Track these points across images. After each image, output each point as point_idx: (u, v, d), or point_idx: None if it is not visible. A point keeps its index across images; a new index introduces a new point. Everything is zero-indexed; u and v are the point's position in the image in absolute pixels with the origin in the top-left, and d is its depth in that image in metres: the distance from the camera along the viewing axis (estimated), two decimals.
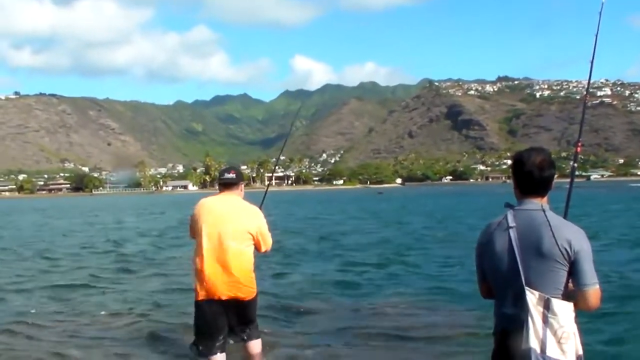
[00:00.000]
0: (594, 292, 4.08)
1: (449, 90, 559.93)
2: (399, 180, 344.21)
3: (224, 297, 7.30)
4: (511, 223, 4.19)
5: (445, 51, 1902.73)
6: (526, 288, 4.03)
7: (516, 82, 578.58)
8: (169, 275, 17.83)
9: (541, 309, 4.00)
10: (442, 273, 17.33)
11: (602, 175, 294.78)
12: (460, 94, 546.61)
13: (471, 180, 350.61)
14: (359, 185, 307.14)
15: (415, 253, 22.48)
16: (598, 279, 4.11)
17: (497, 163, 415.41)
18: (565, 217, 4.58)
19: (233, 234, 7.36)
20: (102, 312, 12.32)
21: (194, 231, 7.61)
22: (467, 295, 12.54)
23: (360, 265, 19.13)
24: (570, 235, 4.07)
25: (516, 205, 4.29)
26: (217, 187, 7.90)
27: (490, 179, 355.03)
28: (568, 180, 5.32)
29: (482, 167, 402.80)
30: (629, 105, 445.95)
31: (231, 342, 7.77)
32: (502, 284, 4.25)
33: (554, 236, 4.05)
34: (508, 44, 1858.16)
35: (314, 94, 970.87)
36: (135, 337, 10.31)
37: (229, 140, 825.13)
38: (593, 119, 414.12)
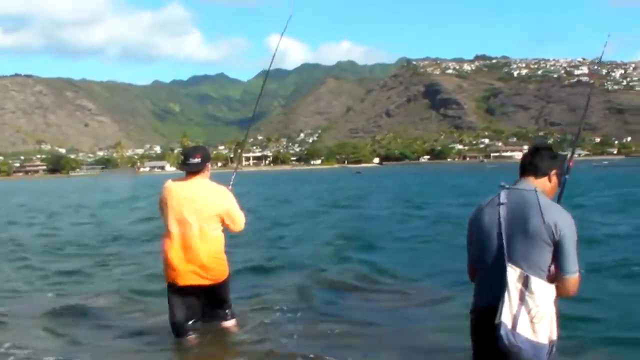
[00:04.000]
0: (573, 280, 4.19)
1: (427, 69, 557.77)
2: (376, 160, 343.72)
3: (191, 283, 7.36)
4: (503, 200, 4.28)
5: (422, 30, 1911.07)
6: (508, 264, 4.08)
7: (494, 61, 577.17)
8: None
9: (519, 286, 4.02)
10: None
11: (579, 155, 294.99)
12: (438, 72, 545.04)
13: (449, 159, 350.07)
14: (336, 165, 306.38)
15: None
16: (579, 266, 4.21)
17: (474, 142, 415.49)
18: (558, 202, 4.65)
19: (199, 217, 7.34)
20: None
21: (161, 215, 7.67)
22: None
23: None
24: (558, 217, 4.14)
25: (512, 184, 4.42)
26: None
27: (468, 159, 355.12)
28: None
29: (459, 147, 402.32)
30: (606, 84, 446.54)
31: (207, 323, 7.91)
32: (486, 259, 4.32)
33: (542, 216, 4.11)
34: (486, 23, 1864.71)
35: (292, 73, 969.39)
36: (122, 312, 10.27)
37: (206, 120, 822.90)
38: (570, 98, 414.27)
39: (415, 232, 21.94)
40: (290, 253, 16.94)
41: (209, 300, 7.76)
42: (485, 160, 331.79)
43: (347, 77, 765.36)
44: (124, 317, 10.07)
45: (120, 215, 35.53)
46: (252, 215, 17.94)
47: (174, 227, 7.38)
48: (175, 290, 7.49)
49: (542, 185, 4.41)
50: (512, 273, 4.05)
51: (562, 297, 4.23)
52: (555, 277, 4.20)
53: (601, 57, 6.61)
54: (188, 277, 7.34)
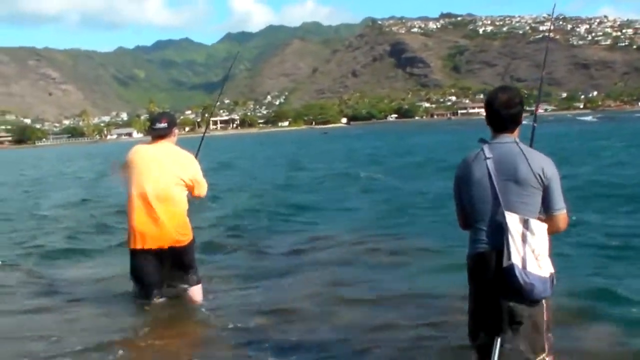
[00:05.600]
0: (563, 216, 4.53)
1: (392, 28, 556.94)
2: (344, 120, 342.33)
3: (155, 246, 7.44)
4: (488, 154, 4.51)
5: None
6: (506, 212, 4.35)
7: (459, 19, 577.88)
8: None
9: (521, 229, 4.31)
10: None
11: (546, 110, 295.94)
12: (403, 31, 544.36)
13: (416, 117, 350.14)
14: (304, 126, 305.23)
15: None
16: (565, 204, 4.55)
17: (441, 100, 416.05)
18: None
19: (164, 181, 7.46)
20: None
21: (127, 179, 7.72)
22: None
23: None
24: (543, 163, 4.45)
25: (490, 140, 4.63)
26: None
27: (436, 116, 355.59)
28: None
29: (427, 105, 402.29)
30: (571, 39, 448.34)
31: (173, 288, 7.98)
32: (482, 209, 4.54)
33: (529, 164, 4.41)
34: None
35: (256, 35, 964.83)
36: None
37: (172, 85, 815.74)
38: (535, 54, 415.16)
39: None
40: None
41: (174, 265, 7.73)
42: (453, 117, 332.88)
43: (312, 38, 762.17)
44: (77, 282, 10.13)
45: None
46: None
47: (138, 190, 7.45)
48: (139, 254, 7.53)
49: (516, 135, 4.65)
50: (512, 218, 4.32)
51: (553, 233, 4.50)
52: (546, 216, 4.51)
53: (553, 13, 6.80)
54: (156, 238, 7.42)
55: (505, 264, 4.27)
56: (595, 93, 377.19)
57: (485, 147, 4.56)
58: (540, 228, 4.37)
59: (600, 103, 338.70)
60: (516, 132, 4.66)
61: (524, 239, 4.28)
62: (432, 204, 18.05)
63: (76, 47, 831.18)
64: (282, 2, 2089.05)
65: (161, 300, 7.77)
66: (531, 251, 4.27)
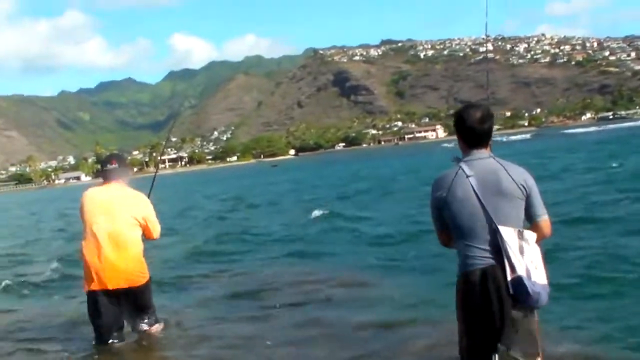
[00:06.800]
0: (546, 221, 4.64)
1: (334, 58, 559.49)
2: (292, 152, 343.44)
3: (111, 287, 7.44)
4: (469, 172, 4.55)
5: (327, 18, 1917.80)
6: (499, 226, 4.41)
7: (400, 44, 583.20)
8: None
9: (517, 241, 4.39)
10: None
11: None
12: (345, 60, 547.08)
13: (364, 145, 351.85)
14: (253, 160, 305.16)
15: None
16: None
17: (387, 126, 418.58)
18: None
19: (118, 222, 7.48)
20: None
21: (82, 221, 7.76)
22: None
23: None
24: (523, 174, 4.57)
25: (464, 157, 4.71)
26: None
27: (383, 142, 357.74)
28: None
29: (373, 132, 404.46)
30: (511, 58, 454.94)
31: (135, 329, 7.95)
32: (471, 227, 4.56)
33: (511, 177, 4.50)
34: (389, 7, 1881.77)
35: (200, 72, 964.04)
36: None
37: (118, 126, 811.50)
38: (477, 75, 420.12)
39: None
40: None
41: (131, 306, 7.70)
42: (400, 142, 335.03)
43: (255, 71, 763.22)
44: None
45: None
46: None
47: (92, 232, 7.46)
48: (96, 296, 7.50)
49: (488, 149, 4.74)
50: (507, 231, 4.39)
51: (540, 240, 4.59)
52: (530, 224, 4.61)
53: (486, 33, 6.81)
54: (112, 279, 7.40)
55: (510, 276, 4.33)
56: (538, 110, 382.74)
57: (464, 165, 4.61)
58: (532, 237, 4.46)
59: (543, 120, 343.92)
60: (488, 147, 4.73)
61: (521, 251, 4.36)
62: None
63: (19, 93, 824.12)
64: (222, 38, 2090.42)
65: (120, 343, 7.66)
66: (530, 261, 4.36)
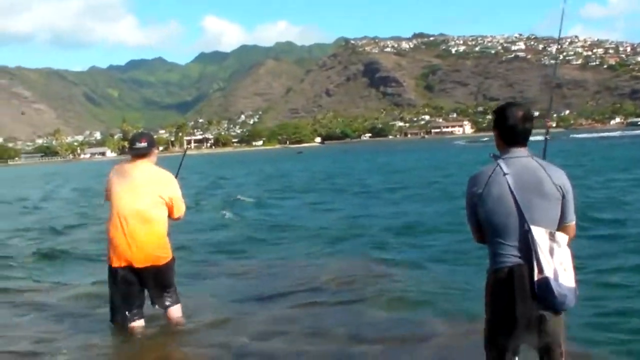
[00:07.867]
0: (574, 226, 4.66)
1: (365, 48, 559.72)
2: (318, 139, 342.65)
3: (136, 265, 7.45)
4: (506, 170, 4.52)
5: (359, 9, 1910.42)
6: (531, 226, 4.41)
7: (432, 39, 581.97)
8: None
9: (548, 242, 4.39)
10: None
11: None
12: (376, 51, 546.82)
13: (390, 136, 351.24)
14: (278, 146, 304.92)
15: None
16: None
17: (415, 119, 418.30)
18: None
19: (144, 200, 7.51)
20: None
21: (108, 197, 7.77)
22: None
23: None
24: (562, 176, 4.55)
25: (502, 155, 4.67)
26: None
27: (409, 135, 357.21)
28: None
29: (400, 124, 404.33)
30: (542, 59, 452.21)
31: (155, 307, 7.91)
32: (504, 224, 4.55)
33: (550, 177, 4.49)
34: (423, 0, 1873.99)
35: (230, 55, 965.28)
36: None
37: (145, 105, 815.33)
38: (508, 73, 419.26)
39: None
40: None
41: (153, 284, 7.68)
42: (426, 136, 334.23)
43: (285, 58, 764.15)
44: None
45: None
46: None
47: (119, 211, 7.47)
48: (118, 274, 7.51)
49: (526, 148, 4.69)
50: (539, 232, 4.40)
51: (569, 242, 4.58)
52: (559, 227, 4.56)
53: (559, 35, 6.81)
54: (137, 257, 7.42)
55: (537, 277, 4.35)
56: (567, 112, 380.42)
57: (502, 163, 4.58)
58: (564, 239, 4.47)
59: (572, 122, 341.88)
60: (527, 146, 4.71)
61: (551, 252, 4.37)
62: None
63: (49, 66, 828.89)
64: (254, 22, 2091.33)
65: (140, 321, 7.73)
66: (559, 263, 4.37)
